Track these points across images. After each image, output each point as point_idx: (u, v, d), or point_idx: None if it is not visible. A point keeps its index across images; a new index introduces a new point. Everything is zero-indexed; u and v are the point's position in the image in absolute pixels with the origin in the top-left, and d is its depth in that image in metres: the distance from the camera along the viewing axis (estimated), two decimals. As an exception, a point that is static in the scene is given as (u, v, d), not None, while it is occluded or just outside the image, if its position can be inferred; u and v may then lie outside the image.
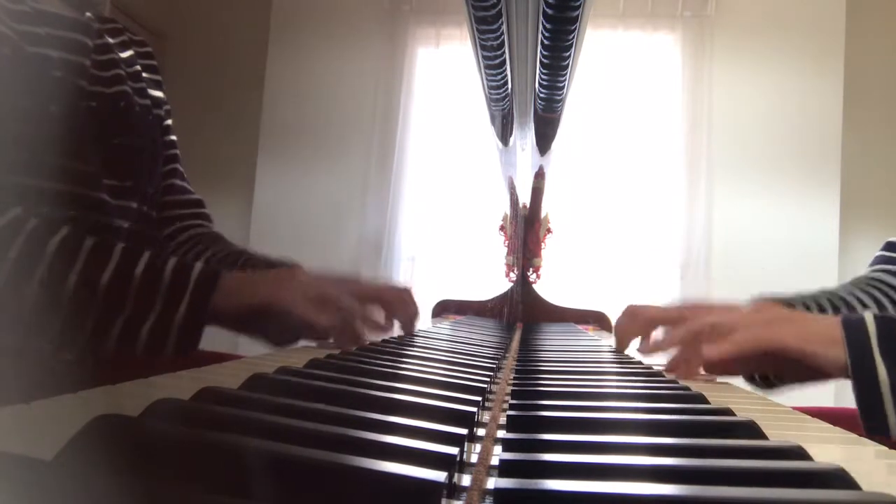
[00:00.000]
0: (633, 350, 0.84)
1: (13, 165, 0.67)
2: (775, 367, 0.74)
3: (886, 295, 0.84)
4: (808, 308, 0.81)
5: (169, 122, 0.96)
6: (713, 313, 0.68)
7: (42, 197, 0.65)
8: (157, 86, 0.94)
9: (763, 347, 0.62)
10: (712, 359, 0.62)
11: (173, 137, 0.96)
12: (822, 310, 0.81)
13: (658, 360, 0.75)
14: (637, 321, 0.82)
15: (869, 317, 0.60)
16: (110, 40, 0.86)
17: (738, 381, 0.65)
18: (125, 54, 0.88)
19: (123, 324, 0.61)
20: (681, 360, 0.69)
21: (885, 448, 0.35)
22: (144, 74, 0.91)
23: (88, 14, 0.84)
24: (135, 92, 0.86)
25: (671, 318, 0.77)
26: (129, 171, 0.82)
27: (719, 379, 0.67)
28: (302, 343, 0.72)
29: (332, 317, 0.67)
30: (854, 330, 0.59)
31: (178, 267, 0.65)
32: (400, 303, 0.81)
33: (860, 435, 0.39)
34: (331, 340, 0.69)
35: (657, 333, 0.79)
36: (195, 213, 0.98)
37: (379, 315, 0.78)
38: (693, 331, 0.67)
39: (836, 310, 0.81)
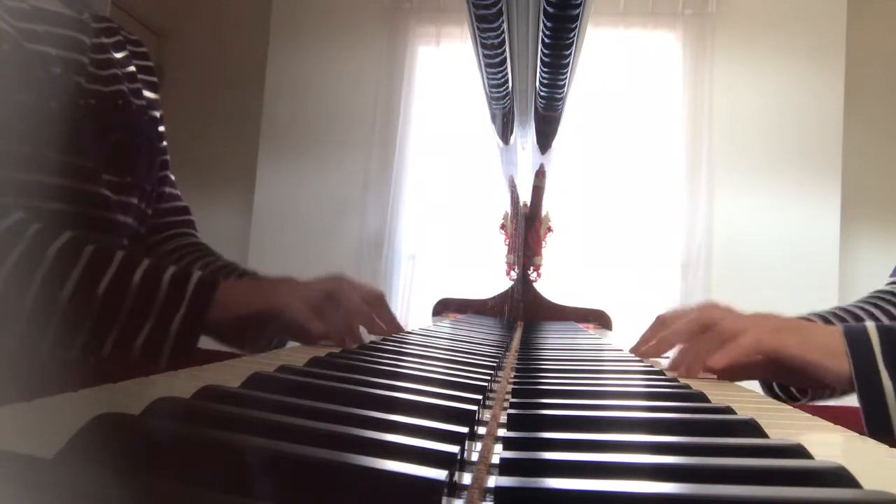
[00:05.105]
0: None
1: (15, 161, 0.68)
2: (777, 376, 0.74)
3: None
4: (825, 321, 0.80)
5: (162, 127, 0.95)
6: (718, 311, 0.68)
7: (45, 192, 0.65)
8: (152, 87, 0.94)
9: (766, 354, 0.61)
10: (717, 367, 0.62)
11: (165, 143, 0.96)
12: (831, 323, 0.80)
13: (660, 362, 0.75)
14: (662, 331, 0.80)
15: (871, 327, 0.60)
16: (105, 40, 0.86)
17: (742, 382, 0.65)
18: (119, 55, 0.88)
19: (119, 331, 0.61)
20: (682, 361, 0.69)
21: (885, 446, 0.35)
22: (140, 76, 0.91)
23: (86, 13, 0.85)
24: (130, 92, 0.86)
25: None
26: (128, 167, 0.83)
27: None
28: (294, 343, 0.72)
29: (326, 322, 0.67)
30: (857, 341, 0.59)
31: (177, 276, 0.65)
32: (377, 306, 0.81)
33: (861, 433, 0.39)
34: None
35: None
36: (183, 220, 0.98)
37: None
38: (696, 327, 0.67)
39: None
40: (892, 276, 0.88)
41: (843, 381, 0.59)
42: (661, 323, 0.81)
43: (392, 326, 0.81)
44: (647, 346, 0.77)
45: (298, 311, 0.67)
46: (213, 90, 3.24)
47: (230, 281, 0.70)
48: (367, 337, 0.74)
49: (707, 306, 0.72)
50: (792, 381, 0.75)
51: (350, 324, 0.70)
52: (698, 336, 0.66)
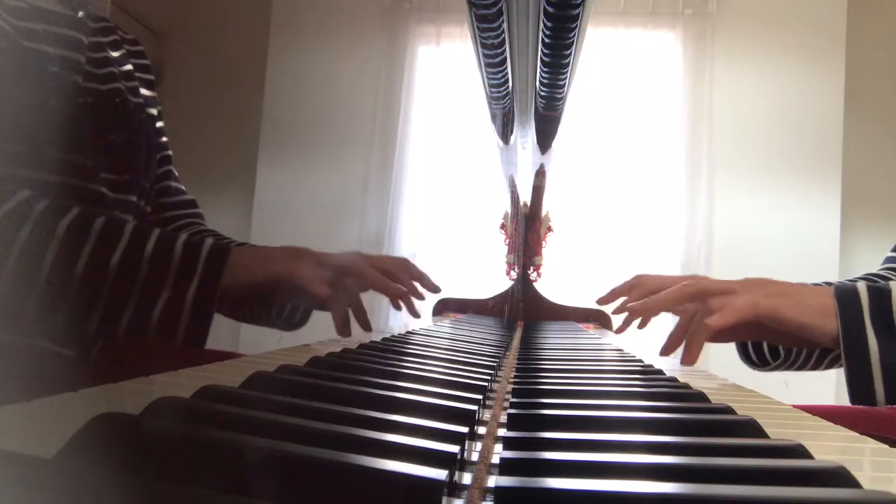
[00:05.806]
0: (633, 347, 0.84)
1: (13, 158, 0.68)
2: (766, 337, 0.74)
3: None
4: None
5: (161, 123, 0.95)
6: (706, 280, 0.69)
7: (43, 191, 0.65)
8: (149, 85, 0.94)
9: (762, 318, 0.62)
10: (714, 327, 0.62)
11: (165, 139, 0.96)
12: None
13: (655, 354, 0.75)
14: (640, 292, 0.79)
15: (862, 287, 0.60)
16: (102, 39, 0.87)
17: (738, 378, 0.65)
18: (116, 53, 0.89)
19: (136, 303, 0.61)
20: (676, 339, 0.70)
21: (885, 446, 0.35)
22: (136, 74, 0.92)
23: (82, 12, 0.85)
24: (128, 90, 0.86)
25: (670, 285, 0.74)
26: (126, 165, 0.83)
27: (720, 378, 0.67)
28: (311, 339, 0.72)
29: (337, 288, 0.68)
30: (847, 300, 0.60)
31: (189, 243, 0.65)
32: (402, 271, 0.81)
33: (860, 433, 0.39)
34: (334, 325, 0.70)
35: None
36: (191, 212, 0.98)
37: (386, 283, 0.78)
38: (686, 292, 0.67)
39: None
40: (883, 263, 0.89)
41: (832, 340, 0.60)
42: (638, 283, 0.81)
43: (415, 287, 0.81)
44: (634, 308, 0.76)
45: (307, 275, 0.67)
46: (213, 90, 3.24)
47: (241, 247, 0.70)
48: (377, 327, 0.74)
49: (693, 276, 0.73)
50: (782, 342, 0.75)
51: (357, 296, 0.70)
52: (687, 306, 0.67)
